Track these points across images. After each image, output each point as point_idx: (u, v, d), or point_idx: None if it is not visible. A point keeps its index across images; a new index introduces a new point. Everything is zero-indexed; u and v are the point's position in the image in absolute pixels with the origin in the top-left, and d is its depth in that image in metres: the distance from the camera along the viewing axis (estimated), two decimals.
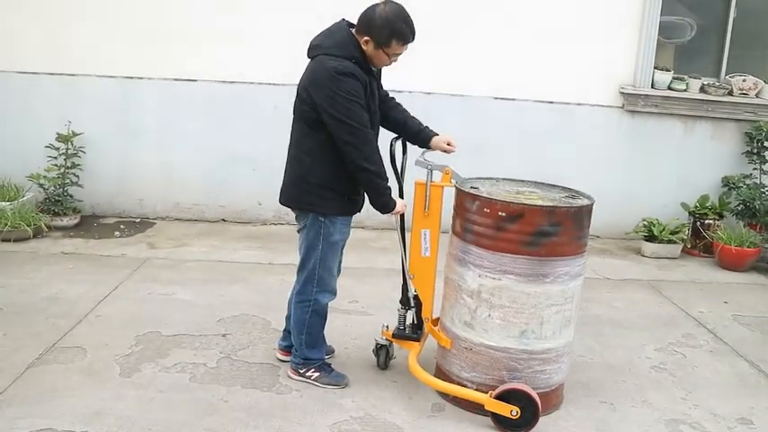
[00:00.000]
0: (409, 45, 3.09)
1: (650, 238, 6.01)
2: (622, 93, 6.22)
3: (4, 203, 5.37)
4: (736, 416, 3.37)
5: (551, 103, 6.21)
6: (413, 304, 3.41)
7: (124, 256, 5.10)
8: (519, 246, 3.00)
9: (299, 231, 3.28)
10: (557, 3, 6.05)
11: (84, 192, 5.92)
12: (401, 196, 3.25)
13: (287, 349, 3.51)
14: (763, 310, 4.90)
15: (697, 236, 6.10)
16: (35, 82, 5.88)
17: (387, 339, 3.52)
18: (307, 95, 3.03)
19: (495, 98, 6.14)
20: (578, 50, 6.11)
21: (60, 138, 5.72)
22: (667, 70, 6.24)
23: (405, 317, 3.48)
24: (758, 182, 6.19)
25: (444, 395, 3.29)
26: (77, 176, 5.85)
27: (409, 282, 3.36)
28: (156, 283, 4.59)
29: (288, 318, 3.46)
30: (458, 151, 3.40)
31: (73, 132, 5.76)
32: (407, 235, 3.35)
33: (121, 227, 5.84)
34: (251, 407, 3.14)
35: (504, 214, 3.01)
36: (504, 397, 3.02)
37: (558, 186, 3.45)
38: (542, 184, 3.48)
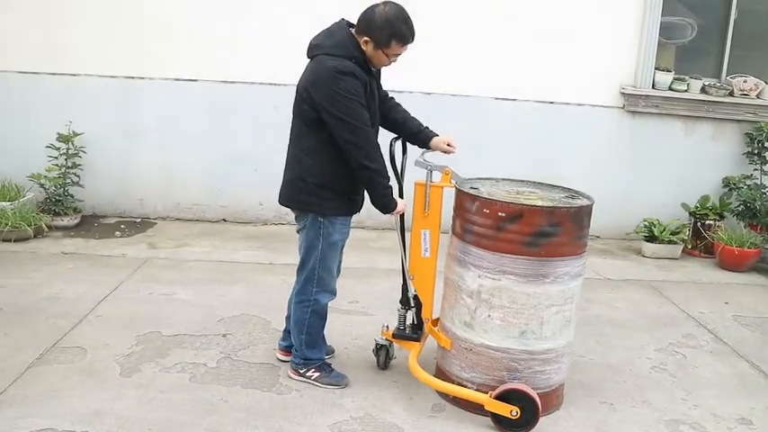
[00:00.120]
0: (409, 45, 3.09)
1: (651, 238, 6.01)
2: (623, 93, 6.22)
3: (4, 203, 5.37)
4: (736, 416, 3.37)
5: (551, 103, 6.21)
6: (413, 304, 3.41)
7: (125, 256, 5.11)
8: (519, 246, 3.00)
9: (298, 231, 3.28)
10: (557, 3, 6.05)
11: (85, 192, 5.93)
12: (401, 196, 3.25)
13: (287, 349, 3.51)
14: (763, 310, 4.90)
15: (697, 236, 6.09)
16: (35, 82, 5.88)
17: (387, 339, 3.52)
18: (306, 95, 3.03)
19: (496, 98, 6.14)
20: (579, 51, 6.11)
21: (61, 138, 5.72)
22: (668, 71, 6.24)
23: (405, 317, 3.48)
24: (759, 182, 6.19)
25: (444, 395, 3.29)
26: (78, 176, 5.85)
27: (409, 282, 3.36)
28: (156, 283, 4.59)
29: (288, 318, 3.46)
30: (458, 151, 3.40)
31: (74, 132, 5.76)
32: (407, 235, 3.35)
33: (122, 227, 5.85)
34: (251, 407, 3.14)
35: (503, 215, 3.01)
36: (504, 397, 3.02)
37: (558, 187, 3.45)
38: (542, 184, 3.48)
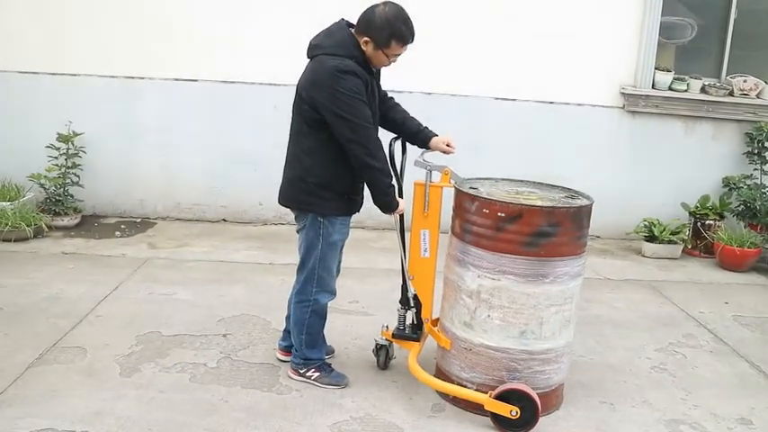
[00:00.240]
0: (408, 46, 3.09)
1: (651, 238, 6.01)
2: (623, 93, 6.22)
3: (4, 203, 5.37)
4: (736, 416, 3.37)
5: (551, 103, 6.21)
6: (412, 304, 3.41)
7: (125, 256, 5.11)
8: (518, 246, 3.00)
9: (298, 232, 3.28)
10: (557, 3, 6.05)
11: (85, 192, 5.93)
12: (400, 196, 3.25)
13: (287, 349, 3.51)
14: (763, 310, 4.90)
15: (698, 236, 6.09)
16: (35, 82, 5.88)
17: (387, 339, 3.52)
18: (307, 95, 3.03)
19: (496, 98, 6.14)
20: (579, 51, 6.11)
21: (61, 138, 5.72)
22: (668, 71, 6.24)
23: (404, 317, 3.48)
24: (759, 182, 6.19)
25: (444, 395, 3.29)
26: (78, 176, 5.85)
27: (409, 282, 3.37)
28: (156, 283, 4.59)
29: (288, 318, 3.46)
30: (457, 151, 3.40)
31: (74, 132, 5.76)
32: (407, 235, 3.35)
33: (122, 227, 5.85)
34: (251, 407, 3.14)
35: (503, 215, 3.01)
36: (504, 397, 3.02)
37: (558, 187, 3.45)
38: (542, 184, 3.48)
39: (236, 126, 6.04)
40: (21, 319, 3.90)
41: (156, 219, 6.15)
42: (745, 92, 6.30)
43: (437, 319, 3.45)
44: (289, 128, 3.22)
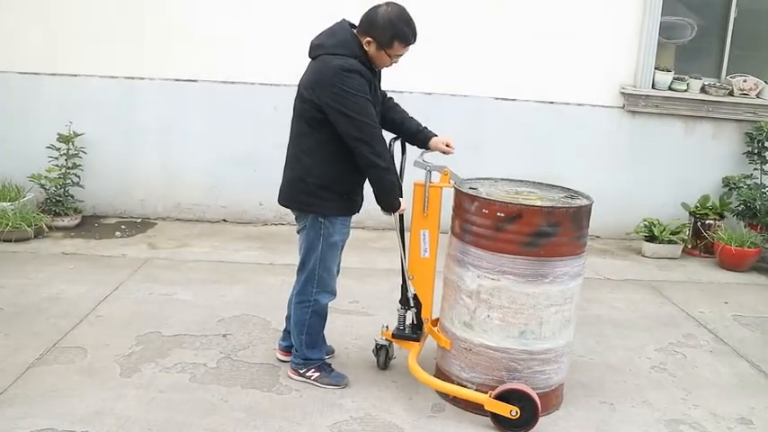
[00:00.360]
0: (410, 46, 3.09)
1: (651, 238, 6.01)
2: (623, 93, 6.22)
3: (5, 204, 5.37)
4: (736, 416, 3.37)
5: (551, 103, 6.21)
6: (412, 304, 3.41)
7: (125, 257, 5.11)
8: (518, 246, 3.00)
9: (298, 232, 3.29)
10: (557, 3, 6.05)
11: (85, 192, 5.93)
12: (400, 196, 3.25)
13: (287, 349, 3.51)
14: (763, 310, 4.90)
15: (697, 236, 6.09)
16: (36, 82, 5.88)
17: (387, 339, 3.52)
18: (308, 95, 3.03)
19: (496, 98, 6.14)
20: (579, 50, 6.11)
21: (61, 138, 5.72)
22: (668, 71, 6.24)
23: (404, 317, 3.48)
24: (759, 182, 6.19)
25: (444, 395, 3.29)
26: (78, 177, 5.85)
27: (408, 282, 3.37)
28: (156, 283, 4.59)
29: (288, 318, 3.46)
30: (457, 151, 3.40)
31: (74, 133, 5.77)
32: (407, 235, 3.35)
33: (122, 227, 5.85)
34: (251, 407, 3.14)
35: (502, 215, 3.01)
36: (504, 397, 3.02)
37: (558, 187, 3.45)
38: (541, 184, 3.48)
39: (236, 126, 6.04)
40: (21, 320, 3.90)
41: (156, 219, 6.15)
42: (745, 92, 6.30)
43: (437, 320, 3.45)
44: (289, 128, 3.22)
